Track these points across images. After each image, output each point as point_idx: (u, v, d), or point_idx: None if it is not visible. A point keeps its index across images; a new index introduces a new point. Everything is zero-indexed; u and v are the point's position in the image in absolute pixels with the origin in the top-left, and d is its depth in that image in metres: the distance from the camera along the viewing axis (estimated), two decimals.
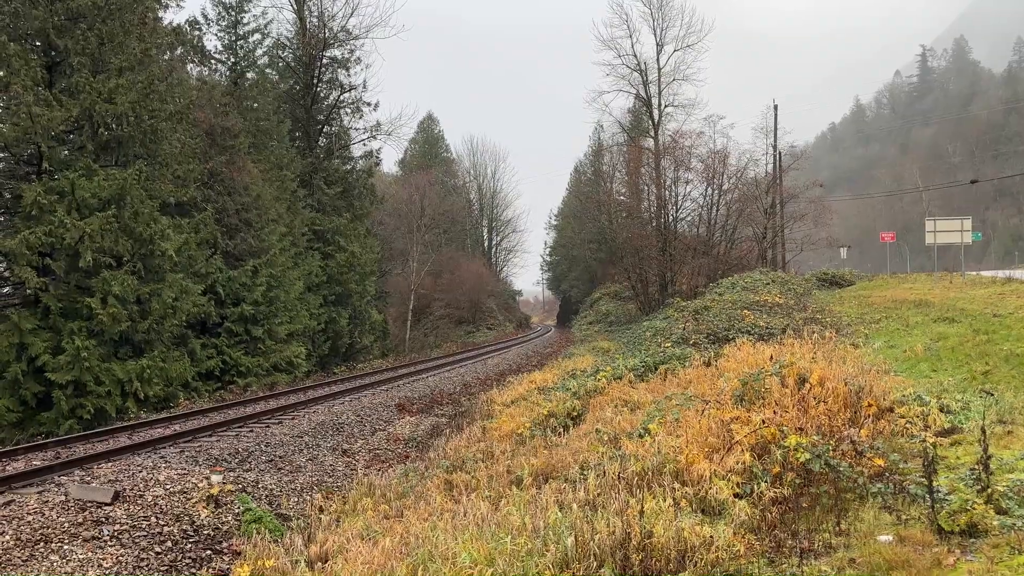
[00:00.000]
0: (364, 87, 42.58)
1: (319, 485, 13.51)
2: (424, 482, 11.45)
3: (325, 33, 40.76)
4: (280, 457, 14.91)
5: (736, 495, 6.97)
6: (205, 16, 33.97)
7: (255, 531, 10.32)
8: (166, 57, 28.31)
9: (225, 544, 10.43)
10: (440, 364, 36.03)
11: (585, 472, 8.48)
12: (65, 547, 9.41)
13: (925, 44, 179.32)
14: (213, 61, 34.35)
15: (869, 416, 8.74)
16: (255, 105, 33.70)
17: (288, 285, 30.69)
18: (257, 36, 35.42)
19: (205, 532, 10.58)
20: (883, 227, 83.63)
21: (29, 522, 9.85)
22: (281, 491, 12.76)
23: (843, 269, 44.53)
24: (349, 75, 42.02)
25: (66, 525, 9.90)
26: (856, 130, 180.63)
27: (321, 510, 11.56)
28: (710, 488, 7.06)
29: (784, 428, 7.93)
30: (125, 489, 11.28)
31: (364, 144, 44.90)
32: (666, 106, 49.49)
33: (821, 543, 5.72)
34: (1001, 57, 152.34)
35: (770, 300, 25.62)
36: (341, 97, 41.98)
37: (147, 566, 9.44)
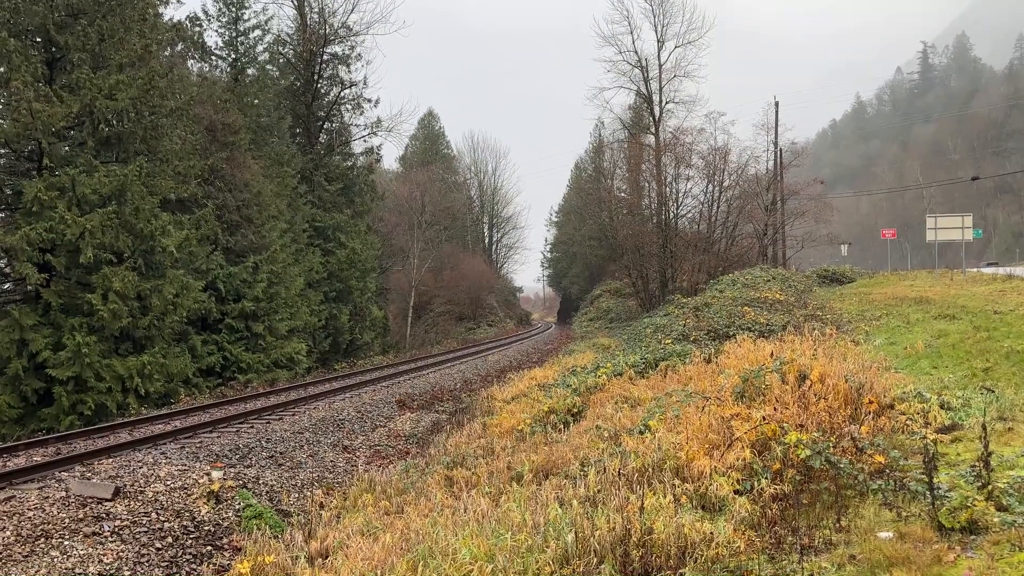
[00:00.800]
0: (365, 83, 42.67)
1: (320, 481, 13.52)
2: (424, 478, 11.46)
3: (326, 29, 40.73)
4: (281, 453, 14.92)
5: (736, 491, 6.97)
6: (206, 12, 33.97)
7: (256, 527, 10.33)
8: (167, 53, 28.31)
9: (226, 540, 10.44)
10: (441, 360, 36.04)
11: (585, 468, 8.48)
12: (66, 543, 9.42)
13: (926, 41, 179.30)
14: (214, 57, 34.36)
15: (870, 413, 8.74)
16: (256, 101, 33.68)
17: (289, 281, 30.70)
18: (258, 32, 35.42)
19: (206, 528, 10.59)
20: (884, 224, 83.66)
21: (30, 518, 9.87)
22: (282, 487, 12.77)
23: (844, 266, 44.52)
24: (350, 71, 42.05)
25: (67, 521, 9.91)
26: (857, 127, 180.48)
27: (322, 506, 11.57)
28: (710, 484, 7.06)
29: (784, 425, 7.92)
30: (126, 485, 11.29)
31: (365, 140, 44.97)
32: (667, 103, 49.49)
33: (821, 540, 5.72)
34: (1002, 54, 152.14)
35: (771, 297, 25.61)
36: (342, 93, 41.99)
37: (148, 562, 9.45)
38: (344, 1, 47.32)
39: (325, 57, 40.94)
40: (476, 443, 13.41)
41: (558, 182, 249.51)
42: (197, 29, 32.66)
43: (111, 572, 9.05)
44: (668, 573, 5.47)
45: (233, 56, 34.63)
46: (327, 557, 8.38)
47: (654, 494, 6.80)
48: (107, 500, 10.67)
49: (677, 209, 47.21)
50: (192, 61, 32.95)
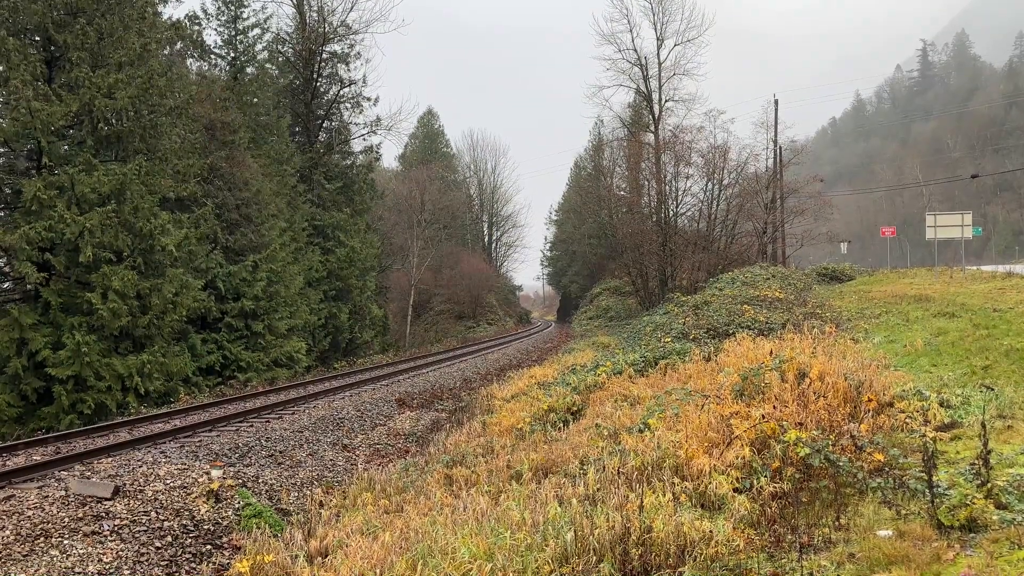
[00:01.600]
0: (364, 82, 42.58)
1: (319, 480, 13.52)
2: (424, 477, 11.45)
3: (325, 28, 40.72)
4: (280, 452, 14.92)
5: (736, 490, 6.97)
6: (205, 11, 33.97)
7: (255, 526, 10.32)
8: (166, 52, 28.30)
9: (225, 539, 10.44)
10: (440, 359, 36.04)
11: (585, 467, 8.48)
12: (65, 542, 9.41)
13: (926, 39, 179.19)
14: (213, 56, 34.36)
15: (869, 411, 8.74)
16: (255, 100, 33.69)
17: (288, 280, 30.70)
18: (257, 31, 35.44)
19: (205, 527, 10.59)
20: (883, 222, 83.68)
21: (29, 517, 9.86)
22: (281, 486, 12.77)
23: (843, 264, 44.54)
24: (349, 70, 42.06)
25: (66, 520, 9.90)
26: (856, 125, 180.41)
27: (321, 505, 11.57)
28: (710, 483, 7.06)
29: (784, 423, 7.92)
30: (125, 484, 11.29)
31: (364, 139, 45.00)
32: (666, 101, 49.49)
33: (821, 538, 5.72)
34: (1002, 52, 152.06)
35: (770, 295, 25.60)
36: (341, 92, 41.99)
37: (147, 561, 9.45)
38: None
39: (324, 56, 40.93)
40: (476, 442, 13.40)
41: (558, 180, 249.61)
42: (196, 28, 32.69)
43: (111, 571, 9.06)
44: (667, 571, 5.47)
45: (232, 55, 34.63)
46: (327, 556, 8.38)
47: (653, 493, 6.79)
48: (107, 499, 10.66)
49: (677, 207, 47.28)
50: (191, 60, 32.99)
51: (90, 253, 20.46)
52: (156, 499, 10.95)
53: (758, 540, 5.87)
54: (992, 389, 10.04)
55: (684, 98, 51.94)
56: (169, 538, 10.07)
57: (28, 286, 20.86)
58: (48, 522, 9.79)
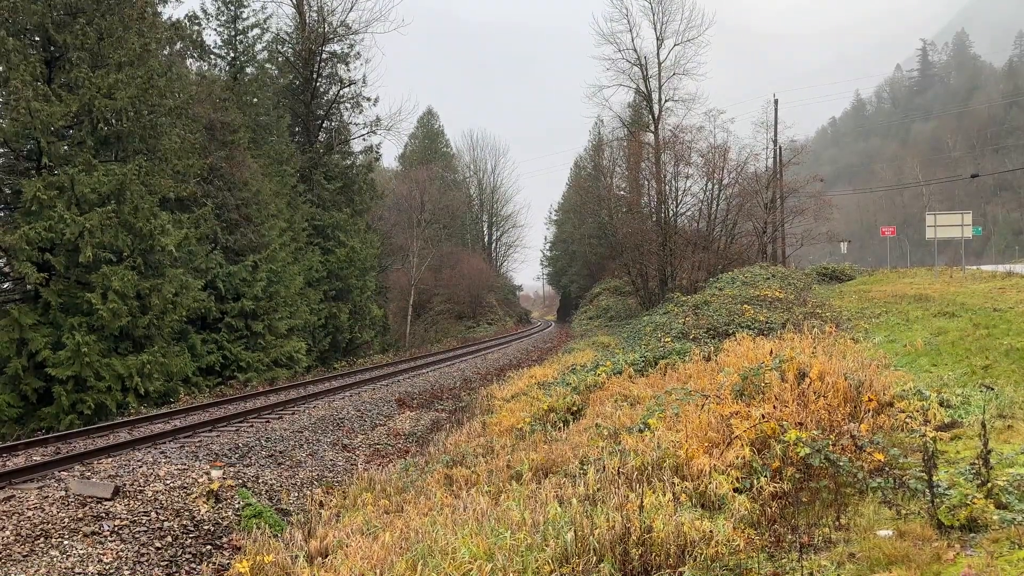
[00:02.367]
0: (364, 82, 42.55)
1: (319, 480, 13.52)
2: (424, 477, 11.45)
3: (324, 28, 40.70)
4: (280, 452, 14.92)
5: (736, 490, 6.97)
6: (204, 11, 33.95)
7: (255, 526, 10.32)
8: (165, 52, 28.28)
9: (225, 539, 10.44)
10: (440, 359, 36.04)
11: (585, 467, 8.48)
12: (65, 542, 9.41)
13: (925, 38, 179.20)
14: (212, 56, 34.34)
15: (869, 411, 8.74)
16: (255, 100, 33.69)
17: (288, 280, 30.69)
18: (256, 31, 35.40)
19: (205, 527, 10.59)
20: (883, 222, 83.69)
21: (29, 517, 9.86)
22: (281, 486, 12.77)
23: (843, 264, 44.55)
24: (349, 70, 42.02)
25: (66, 520, 9.90)
26: (856, 124, 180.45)
27: (321, 505, 11.57)
28: (710, 483, 7.06)
29: (784, 423, 7.92)
30: (125, 484, 11.29)
31: (364, 139, 44.96)
32: (666, 101, 49.45)
33: (821, 538, 5.72)
34: (1002, 51, 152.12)
35: (770, 295, 25.60)
36: (341, 92, 41.97)
37: (147, 561, 9.45)
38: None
39: (324, 56, 40.92)
40: (476, 442, 13.40)
41: (558, 180, 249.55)
42: (196, 28, 32.66)
43: (111, 571, 9.05)
44: (667, 571, 5.47)
45: (232, 55, 34.62)
46: (327, 556, 8.38)
47: (653, 492, 6.79)
48: (106, 499, 10.66)
49: (676, 207, 47.26)
50: (191, 60, 32.95)
51: (90, 253, 20.46)
52: (156, 499, 10.95)
53: (758, 540, 5.87)
54: (992, 389, 10.04)
55: (684, 98, 51.87)
56: (169, 538, 10.07)
57: (28, 286, 20.85)
58: (48, 522, 9.79)
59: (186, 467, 12.51)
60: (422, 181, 60.37)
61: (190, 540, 10.20)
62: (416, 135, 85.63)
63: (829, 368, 9.71)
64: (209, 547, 10.18)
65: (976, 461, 6.17)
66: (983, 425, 6.20)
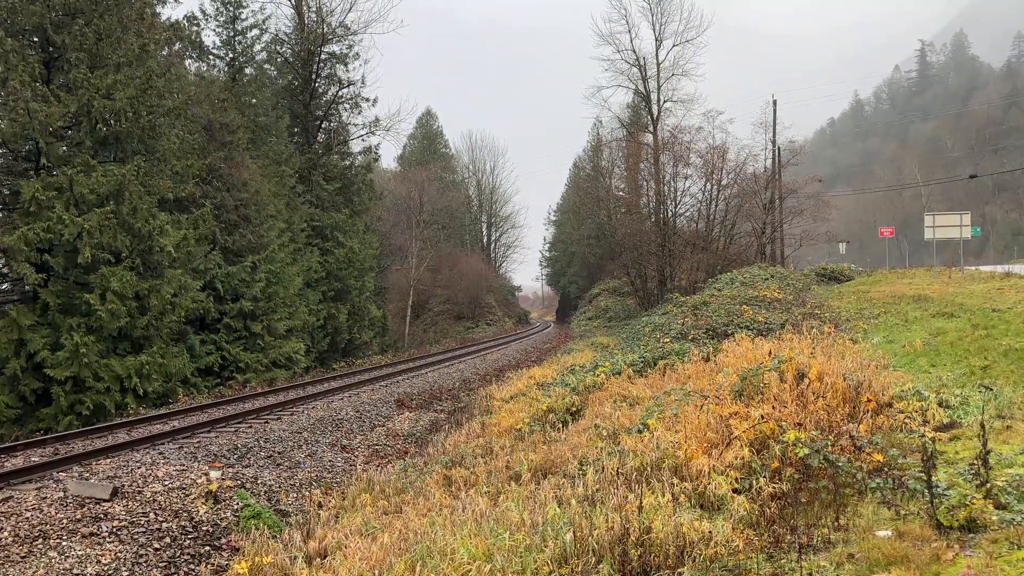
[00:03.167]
0: (363, 83, 42.55)
1: (318, 481, 13.51)
2: (423, 478, 11.45)
3: (323, 28, 40.71)
4: (279, 453, 14.91)
5: (735, 490, 6.97)
6: (203, 11, 33.96)
7: (254, 527, 10.32)
8: (164, 53, 28.28)
9: (224, 540, 10.43)
10: (439, 360, 36.03)
11: (584, 468, 8.47)
12: (63, 543, 9.40)
13: (924, 39, 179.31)
14: (211, 57, 34.35)
15: (868, 411, 8.74)
16: (253, 101, 33.68)
17: (287, 281, 30.68)
18: (255, 31, 35.41)
19: (204, 528, 10.58)
20: (882, 222, 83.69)
21: (27, 518, 9.85)
22: (280, 487, 12.76)
23: (842, 264, 44.54)
24: (347, 70, 42.04)
25: (64, 521, 9.89)
26: (855, 125, 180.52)
27: (320, 506, 11.56)
28: (709, 483, 7.05)
29: (783, 423, 7.92)
30: (124, 485, 11.27)
31: (363, 140, 44.99)
32: (665, 101, 49.48)
33: (820, 538, 5.72)
34: (1000, 52, 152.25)
35: (769, 295, 25.61)
36: (339, 93, 41.98)
37: (146, 562, 9.44)
38: (342, 0, 47.31)
39: (323, 56, 40.92)
40: (475, 442, 13.40)
41: (557, 181, 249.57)
42: (195, 28, 32.67)
43: (109, 572, 9.04)
44: (667, 572, 5.47)
45: (231, 55, 34.61)
46: (325, 557, 8.37)
47: (652, 493, 6.79)
48: (105, 500, 10.65)
49: (675, 208, 47.27)
50: (190, 60, 32.97)
51: (88, 254, 20.45)
52: (155, 500, 10.93)
53: (757, 540, 5.87)
54: (991, 389, 10.04)
55: (683, 99, 51.83)
56: (168, 539, 10.06)
57: (26, 287, 20.82)
58: (46, 523, 9.77)
59: (185, 468, 12.50)
60: (421, 182, 60.37)
61: (189, 541, 10.19)
62: (415, 136, 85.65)
63: (828, 369, 9.70)
64: (208, 548, 10.17)
65: (975, 461, 6.17)
66: (982, 425, 6.20)
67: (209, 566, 9.65)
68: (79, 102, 21.32)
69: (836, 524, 5.93)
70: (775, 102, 48.41)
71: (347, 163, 43.46)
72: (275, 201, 31.48)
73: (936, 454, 6.56)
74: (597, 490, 7.23)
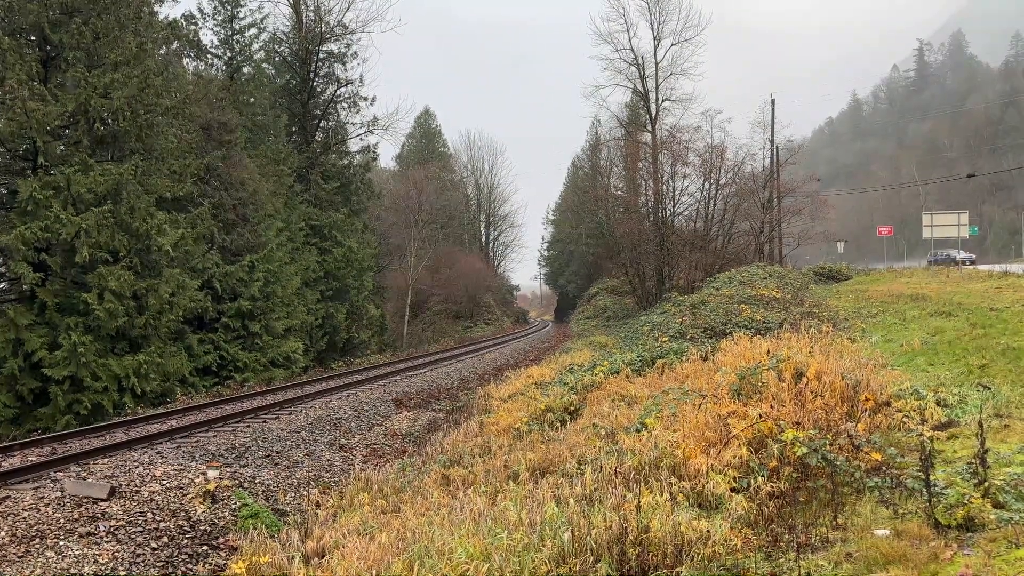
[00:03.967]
0: (361, 82, 42.54)
1: (316, 480, 13.50)
2: (421, 477, 11.44)
3: (321, 27, 40.70)
4: (277, 452, 14.89)
5: (733, 489, 6.96)
6: (201, 10, 33.93)
7: (252, 526, 10.30)
8: (162, 52, 28.25)
9: (222, 539, 10.41)
10: (437, 359, 36.02)
11: (582, 467, 8.47)
12: (61, 543, 9.38)
13: (922, 38, 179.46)
14: (209, 56, 34.31)
15: (866, 410, 8.73)
16: (251, 100, 33.65)
17: (285, 280, 30.66)
18: (253, 31, 35.38)
19: (201, 528, 10.56)
20: (880, 221, 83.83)
21: (25, 518, 9.83)
22: (278, 486, 12.74)
23: (840, 263, 44.59)
24: (346, 70, 42.03)
25: (62, 521, 9.87)
26: (853, 124, 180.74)
27: (318, 505, 11.55)
28: (707, 482, 7.05)
29: (781, 422, 7.92)
30: (121, 485, 11.25)
31: (361, 139, 44.97)
32: (663, 100, 49.50)
33: (818, 537, 5.72)
34: (998, 52, 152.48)
35: (767, 294, 25.61)
36: (338, 92, 41.98)
37: (143, 562, 9.42)
38: None
39: (321, 55, 40.90)
40: (473, 442, 13.39)
41: (555, 180, 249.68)
42: (192, 27, 32.63)
43: (107, 572, 9.02)
44: (665, 571, 5.46)
45: (229, 54, 34.58)
46: (323, 556, 8.36)
47: (651, 492, 6.78)
48: (103, 500, 10.63)
49: (674, 207, 47.29)
50: (187, 59, 32.94)
51: (86, 253, 20.42)
52: (152, 500, 10.92)
53: (755, 540, 5.86)
54: (989, 388, 10.05)
55: (681, 98, 52.04)
56: (165, 539, 10.05)
57: (24, 286, 20.79)
58: (44, 523, 9.75)
59: (182, 467, 12.48)
60: (419, 181, 60.34)
61: (186, 540, 10.18)
62: (413, 135, 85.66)
63: (826, 368, 9.70)
64: (205, 547, 10.15)
65: (973, 460, 6.17)
66: (980, 424, 6.20)
67: (207, 565, 9.64)
68: (76, 101, 21.28)
69: (834, 523, 5.93)
70: (773, 101, 48.46)
71: (345, 162, 43.45)
72: (273, 200, 31.45)
73: (934, 453, 6.56)
74: (595, 489, 7.22)
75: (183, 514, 10.73)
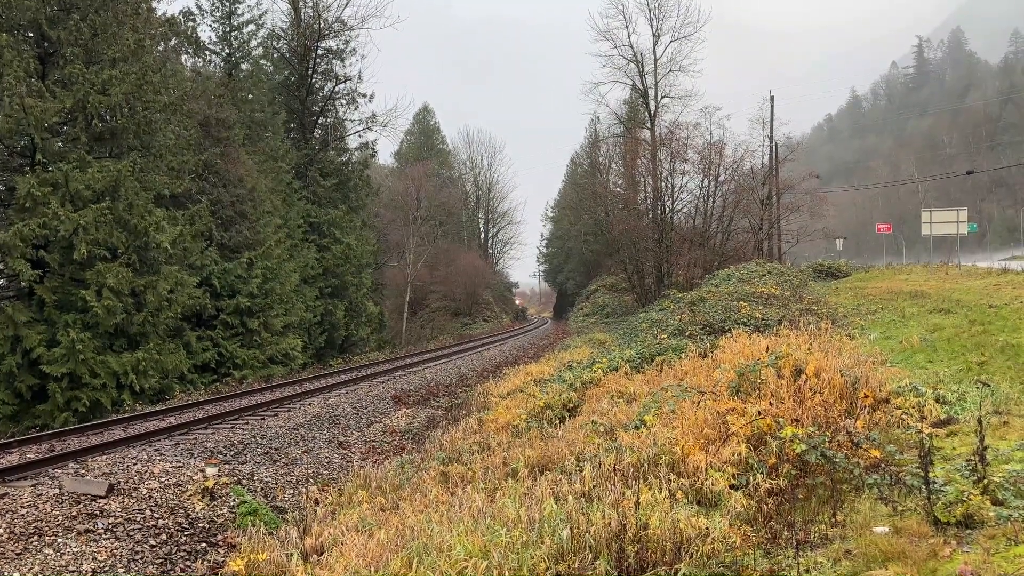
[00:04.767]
0: (359, 78, 42.58)
1: (315, 477, 13.49)
2: (420, 474, 11.43)
3: (320, 23, 40.63)
4: (276, 449, 14.88)
5: (732, 486, 6.95)
6: (199, 7, 33.85)
7: (250, 524, 10.29)
8: (160, 48, 28.18)
9: (220, 537, 10.40)
10: (436, 356, 36.01)
11: (581, 464, 8.46)
12: (59, 540, 9.37)
13: (921, 35, 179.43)
14: (207, 52, 34.22)
15: (865, 407, 8.72)
16: (250, 96, 33.58)
17: (284, 277, 30.63)
18: (251, 27, 35.29)
19: (200, 525, 10.56)
20: (879, 218, 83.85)
21: (23, 515, 9.82)
22: (276, 483, 12.74)
23: (839, 260, 44.64)
24: (344, 66, 41.97)
25: (60, 518, 9.86)
26: (852, 121, 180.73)
27: (317, 502, 11.54)
28: (706, 479, 7.04)
29: (780, 419, 7.91)
30: (120, 482, 11.24)
31: (359, 136, 44.93)
32: (662, 97, 49.43)
33: (817, 534, 5.71)
34: (997, 48, 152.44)
35: (766, 291, 25.60)
36: (336, 88, 41.92)
37: (142, 559, 9.42)
38: None
39: (319, 52, 40.83)
40: (472, 439, 13.38)
41: (554, 177, 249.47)
42: (190, 24, 32.53)
43: (105, 569, 9.02)
44: (664, 568, 5.45)
45: (227, 51, 34.50)
46: (322, 553, 8.36)
47: (649, 489, 6.77)
48: (101, 497, 10.62)
49: (673, 204, 47.24)
50: (185, 56, 32.83)
51: (84, 250, 20.39)
52: (151, 497, 10.91)
53: (754, 537, 5.85)
54: (988, 385, 10.04)
55: (680, 94, 51.78)
56: (164, 536, 10.04)
57: (22, 283, 20.76)
58: (42, 520, 9.75)
59: (181, 464, 12.47)
60: (418, 178, 60.28)
61: (185, 538, 10.17)
62: (412, 132, 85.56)
63: (825, 365, 9.69)
64: (204, 545, 10.15)
65: (972, 457, 6.16)
66: (979, 421, 6.19)
67: (205, 563, 9.63)
68: (74, 98, 21.24)
69: (833, 520, 5.92)
70: (772, 98, 48.43)
71: (344, 159, 43.38)
72: (271, 197, 31.42)
73: (933, 450, 6.55)
74: (594, 486, 7.21)
75: (181, 511, 10.72)
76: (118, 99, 22.04)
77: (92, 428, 16.20)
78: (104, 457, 12.95)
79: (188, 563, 9.65)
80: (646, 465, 7.62)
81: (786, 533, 5.77)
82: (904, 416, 8.69)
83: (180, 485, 11.48)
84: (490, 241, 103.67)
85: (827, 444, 6.93)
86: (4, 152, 21.96)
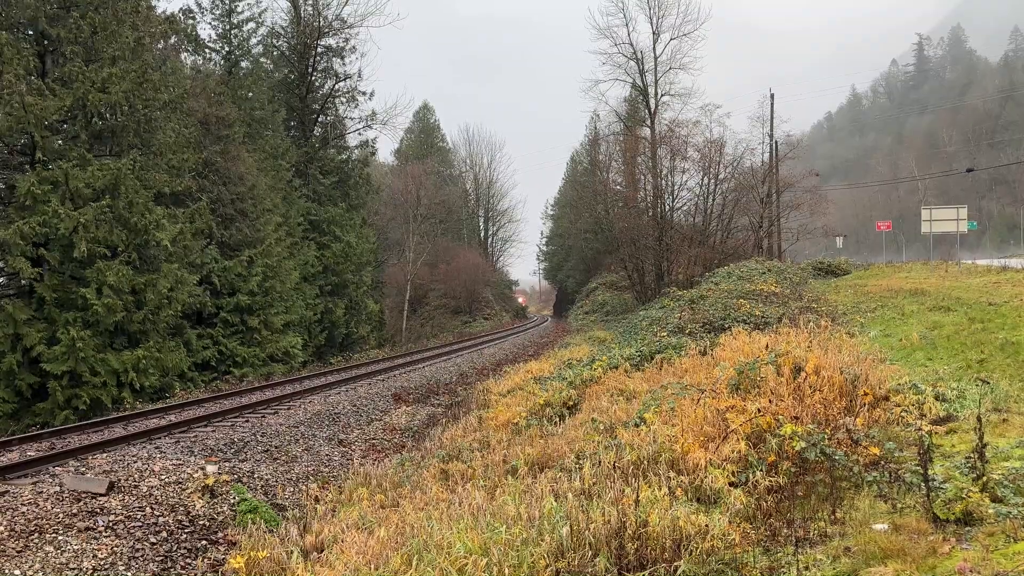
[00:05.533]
0: (359, 76, 42.54)
1: (315, 475, 13.50)
2: (420, 472, 11.44)
3: (320, 21, 40.60)
4: (276, 447, 14.89)
5: (731, 484, 6.96)
6: (199, 5, 33.81)
7: (250, 521, 10.30)
8: (160, 46, 28.17)
9: (220, 534, 10.41)
10: (436, 354, 36.02)
11: (581, 461, 8.47)
12: (60, 538, 9.38)
13: (921, 33, 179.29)
14: (207, 50, 34.18)
15: (865, 405, 8.73)
16: (250, 94, 33.56)
17: (284, 275, 30.63)
18: (251, 25, 35.28)
19: (200, 523, 10.57)
20: (879, 216, 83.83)
21: (23, 513, 9.83)
22: (277, 481, 12.75)
23: (839, 258, 44.63)
24: (344, 64, 41.96)
25: (60, 516, 9.87)
26: (852, 119, 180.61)
27: (317, 500, 11.55)
28: (705, 477, 7.05)
29: (780, 417, 7.91)
30: (120, 480, 11.25)
31: (360, 133, 44.91)
32: (662, 95, 49.43)
33: (816, 532, 5.72)
34: (997, 46, 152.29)
35: (766, 289, 25.60)
36: (336, 86, 41.91)
37: (142, 557, 9.43)
38: None
39: (319, 49, 40.81)
40: (472, 436, 13.39)
41: (554, 175, 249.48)
42: (190, 22, 32.51)
43: (105, 567, 9.03)
44: (663, 566, 5.46)
45: (227, 49, 34.47)
46: (322, 551, 8.37)
47: (649, 487, 6.78)
48: (101, 495, 10.63)
49: (673, 202, 47.25)
50: (185, 54, 32.82)
51: (84, 248, 20.39)
52: (151, 495, 10.92)
53: (754, 534, 5.86)
54: (987, 383, 10.04)
55: (680, 92, 51.69)
56: (164, 534, 10.05)
57: (22, 281, 20.77)
58: (42, 518, 9.76)
59: (181, 462, 12.48)
60: (418, 176, 60.27)
61: (185, 535, 10.18)
62: (412, 130, 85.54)
63: (825, 362, 9.69)
64: (204, 542, 10.16)
65: (971, 455, 6.16)
66: (978, 419, 6.20)
67: (206, 560, 9.64)
68: (74, 96, 21.23)
69: (832, 517, 5.93)
70: (772, 96, 48.43)
71: (344, 157, 43.38)
72: (271, 195, 31.42)
73: (932, 448, 6.55)
74: (594, 484, 7.22)
75: (182, 509, 10.73)
76: (118, 97, 22.03)
77: (92, 426, 16.21)
78: (104, 455, 12.96)
79: (188, 561, 9.66)
80: (646, 463, 7.63)
81: (785, 530, 5.78)
82: (904, 414, 8.70)
83: (180, 483, 11.49)
84: (490, 239, 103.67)
85: (827, 441, 6.93)
86: (4, 150, 21.95)
